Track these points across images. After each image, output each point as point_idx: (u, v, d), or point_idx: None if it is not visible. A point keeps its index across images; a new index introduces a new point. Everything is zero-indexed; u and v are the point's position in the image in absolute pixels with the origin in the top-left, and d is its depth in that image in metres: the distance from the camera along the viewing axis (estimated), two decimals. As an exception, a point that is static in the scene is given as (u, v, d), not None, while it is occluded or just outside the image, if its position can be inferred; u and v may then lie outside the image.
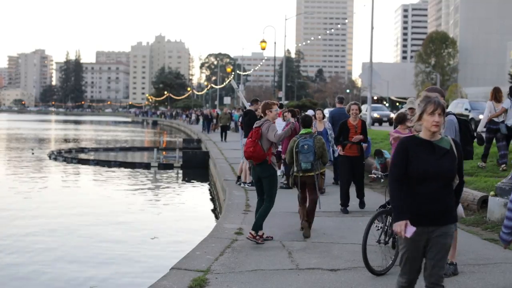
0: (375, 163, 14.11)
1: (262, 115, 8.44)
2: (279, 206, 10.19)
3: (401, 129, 9.41)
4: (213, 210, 15.72)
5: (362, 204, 10.72)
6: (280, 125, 12.75)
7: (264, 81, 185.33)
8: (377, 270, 6.30)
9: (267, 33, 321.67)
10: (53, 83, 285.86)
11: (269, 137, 8.01)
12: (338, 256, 7.00)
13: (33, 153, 32.37)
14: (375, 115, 39.93)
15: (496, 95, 12.22)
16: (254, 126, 8.31)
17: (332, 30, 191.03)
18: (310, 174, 8.37)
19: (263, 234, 8.00)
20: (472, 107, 29.81)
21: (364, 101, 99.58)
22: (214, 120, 46.92)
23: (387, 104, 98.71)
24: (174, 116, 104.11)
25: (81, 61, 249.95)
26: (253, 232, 7.90)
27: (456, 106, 31.54)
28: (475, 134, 6.91)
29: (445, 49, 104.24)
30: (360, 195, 10.77)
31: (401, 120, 9.75)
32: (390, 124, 37.50)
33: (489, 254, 7.37)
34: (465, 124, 6.62)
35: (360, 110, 10.69)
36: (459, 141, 6.31)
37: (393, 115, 38.71)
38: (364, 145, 10.82)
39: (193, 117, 70.83)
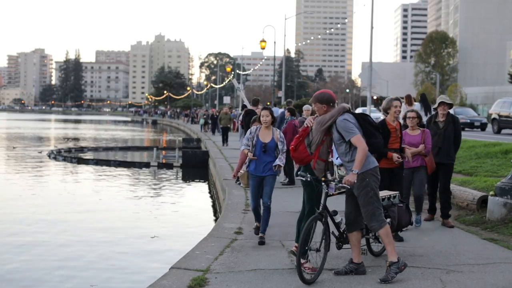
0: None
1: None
2: (279, 206, 10.19)
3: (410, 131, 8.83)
4: (213, 210, 15.72)
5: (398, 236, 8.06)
6: None
7: (264, 80, 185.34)
8: (307, 278, 6.04)
9: (266, 32, 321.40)
10: (53, 82, 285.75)
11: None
12: (338, 256, 7.00)
13: (40, 152, 32.37)
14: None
15: (409, 100, 15.10)
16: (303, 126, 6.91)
17: (332, 29, 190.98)
18: None
19: None
20: None
21: (364, 100, 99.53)
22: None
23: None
24: (176, 115, 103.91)
25: (81, 60, 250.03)
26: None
27: (502, 106, 29.69)
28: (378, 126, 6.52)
29: (444, 49, 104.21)
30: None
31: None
32: (482, 130, 33.36)
33: (488, 254, 7.37)
34: (363, 118, 6.29)
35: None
36: (363, 136, 6.13)
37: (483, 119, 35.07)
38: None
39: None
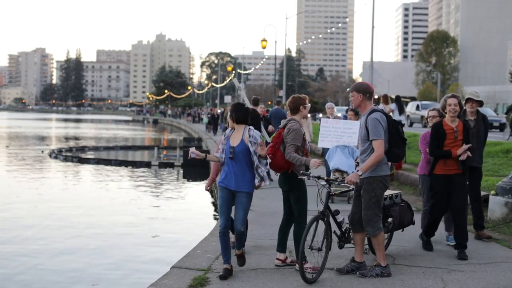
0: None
1: (291, 113, 6.59)
2: (279, 206, 10.17)
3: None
4: (214, 209, 15.72)
5: (462, 253, 7.18)
6: (330, 123, 9.89)
7: (265, 80, 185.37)
8: (309, 278, 6.01)
9: (267, 32, 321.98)
10: (54, 81, 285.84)
11: (286, 143, 6.37)
12: (339, 256, 7.00)
13: (42, 152, 32.38)
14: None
15: (385, 100, 16.73)
16: (279, 127, 6.61)
17: (333, 29, 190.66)
18: None
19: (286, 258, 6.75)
20: None
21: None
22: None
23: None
24: (178, 115, 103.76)
25: (82, 59, 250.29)
26: (280, 256, 6.70)
27: None
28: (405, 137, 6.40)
29: (445, 48, 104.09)
30: (461, 233, 7.25)
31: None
32: (501, 131, 31.50)
33: (490, 253, 7.37)
34: (394, 125, 6.21)
35: (461, 107, 7.37)
36: (387, 142, 6.09)
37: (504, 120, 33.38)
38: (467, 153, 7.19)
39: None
